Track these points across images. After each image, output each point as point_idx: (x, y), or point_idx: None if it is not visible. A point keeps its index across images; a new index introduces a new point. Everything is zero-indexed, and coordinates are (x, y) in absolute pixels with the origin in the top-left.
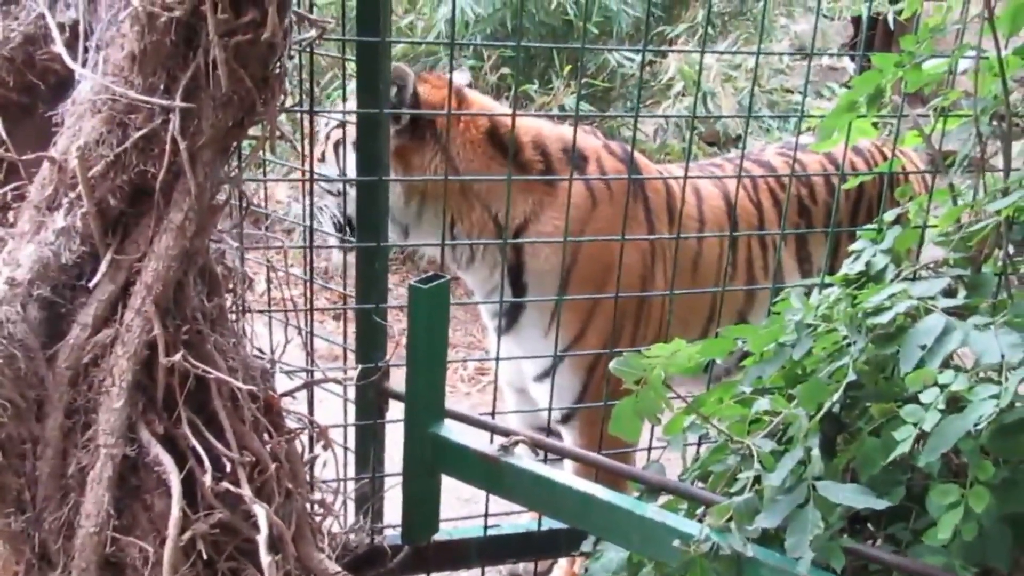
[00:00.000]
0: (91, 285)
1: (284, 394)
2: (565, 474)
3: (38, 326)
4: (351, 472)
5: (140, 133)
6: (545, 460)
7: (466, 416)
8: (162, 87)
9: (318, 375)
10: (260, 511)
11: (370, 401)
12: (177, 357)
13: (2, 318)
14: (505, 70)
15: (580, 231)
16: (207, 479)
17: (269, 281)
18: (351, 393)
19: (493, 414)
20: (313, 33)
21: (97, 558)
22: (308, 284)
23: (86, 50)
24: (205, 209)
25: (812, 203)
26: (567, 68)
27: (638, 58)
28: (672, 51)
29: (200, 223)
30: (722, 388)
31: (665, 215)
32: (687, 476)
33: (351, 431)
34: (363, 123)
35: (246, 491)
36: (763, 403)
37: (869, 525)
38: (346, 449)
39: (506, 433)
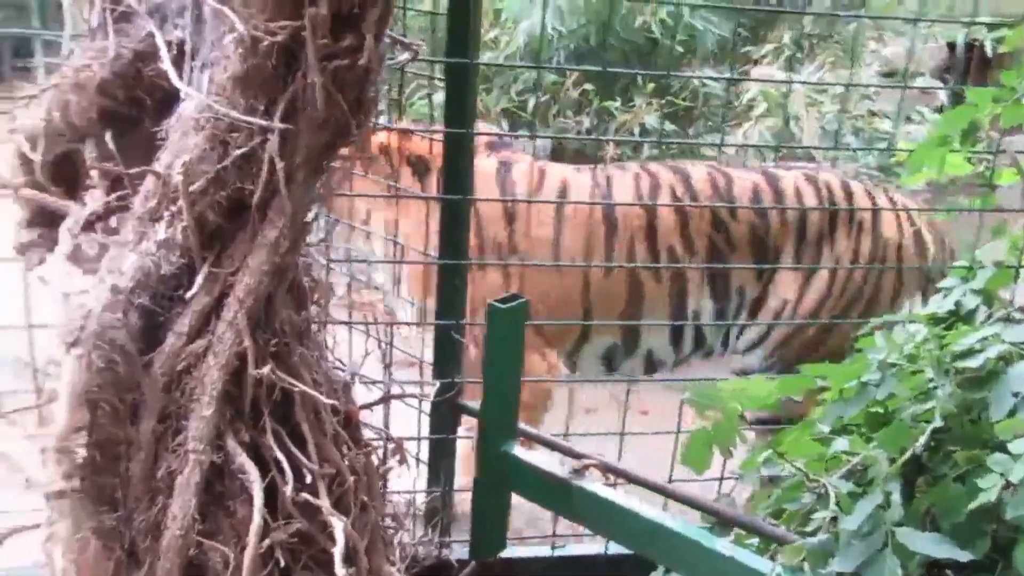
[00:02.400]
0: (188, 296)
1: (363, 407)
2: (635, 501)
3: (137, 333)
4: (421, 484)
5: (240, 152)
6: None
7: (539, 436)
8: (262, 108)
9: (396, 389)
10: (337, 524)
11: (444, 416)
12: (266, 370)
13: (105, 324)
14: (587, 86)
15: None
16: (288, 489)
17: (350, 293)
18: (425, 405)
19: (566, 435)
20: (406, 56)
21: (181, 560)
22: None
23: (191, 69)
24: (298, 226)
25: (731, 218)
26: (650, 86)
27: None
28: (758, 81)
29: (292, 240)
30: (801, 427)
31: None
32: (759, 511)
33: (423, 443)
34: (450, 142)
35: (325, 503)
36: (842, 443)
37: (949, 573)
38: (419, 461)
39: (577, 456)
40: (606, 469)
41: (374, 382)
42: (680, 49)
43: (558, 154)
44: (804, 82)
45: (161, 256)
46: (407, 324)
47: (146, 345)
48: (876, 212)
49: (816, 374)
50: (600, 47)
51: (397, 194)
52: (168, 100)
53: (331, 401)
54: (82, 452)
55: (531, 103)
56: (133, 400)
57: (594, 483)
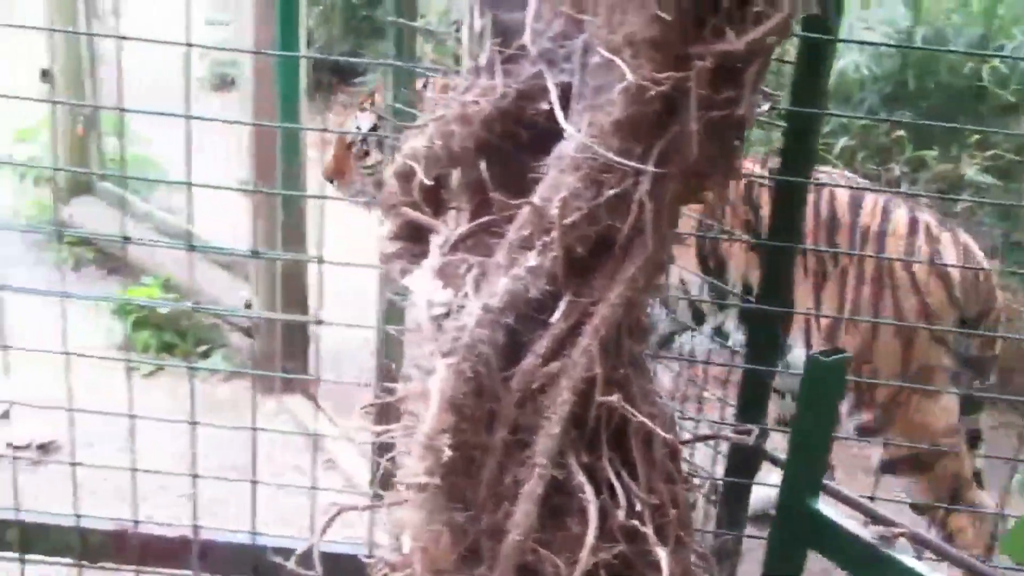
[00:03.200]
0: (551, 321)
1: (685, 442)
2: None
3: (501, 350)
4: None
5: (612, 192)
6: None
7: (846, 496)
8: (638, 152)
9: (706, 427)
10: (662, 553)
11: (745, 460)
12: (615, 398)
13: (476, 338)
14: (900, 132)
15: None
16: (621, 514)
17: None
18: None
19: (872, 497)
20: (766, 106)
21: (516, 563)
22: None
23: (574, 111)
24: (655, 265)
25: None
26: (973, 138)
27: None
28: None
29: (648, 278)
30: None
31: None
32: None
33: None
34: (783, 189)
35: (650, 531)
36: None
37: None
38: (712, 502)
39: (884, 521)
40: (919, 541)
41: (687, 418)
42: (1011, 99)
43: None
44: None
45: (529, 281)
46: (715, 365)
47: (506, 361)
48: None
49: None
50: (918, 93)
51: (730, 238)
52: (540, 137)
53: (666, 435)
54: (447, 452)
55: (837, 146)
56: (490, 410)
57: (904, 554)
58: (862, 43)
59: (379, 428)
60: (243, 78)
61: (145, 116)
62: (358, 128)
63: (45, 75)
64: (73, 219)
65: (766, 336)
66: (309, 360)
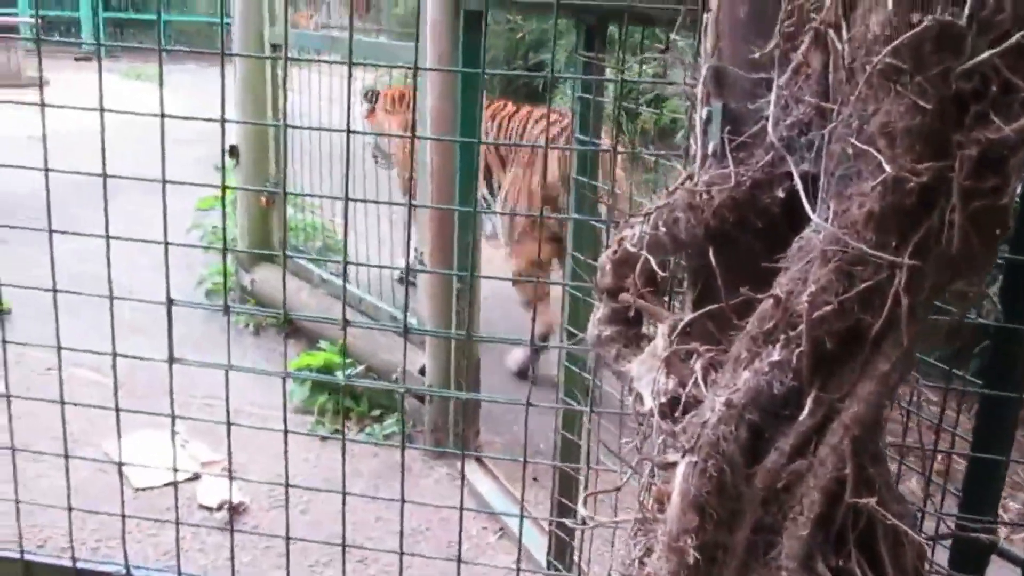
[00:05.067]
0: (800, 418)
1: (930, 539)
2: None
3: (744, 447)
4: None
5: (865, 285)
6: None
7: None
8: (892, 244)
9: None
10: None
11: (974, 558)
12: (872, 500)
13: (719, 435)
14: None
15: None
16: None
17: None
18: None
19: None
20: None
21: None
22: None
23: (819, 201)
24: (908, 361)
25: None
26: None
27: None
28: None
29: (902, 374)
30: None
31: None
32: None
33: None
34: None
35: None
36: None
37: None
38: None
39: None
40: None
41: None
42: None
43: None
44: None
45: (774, 376)
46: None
47: (749, 458)
48: None
49: None
50: None
51: None
52: (772, 226)
53: (918, 537)
54: (692, 554)
55: None
56: (732, 509)
57: None
58: None
59: (605, 519)
60: (423, 154)
61: (319, 185)
62: None
63: (232, 151)
64: (255, 285)
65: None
66: (481, 426)
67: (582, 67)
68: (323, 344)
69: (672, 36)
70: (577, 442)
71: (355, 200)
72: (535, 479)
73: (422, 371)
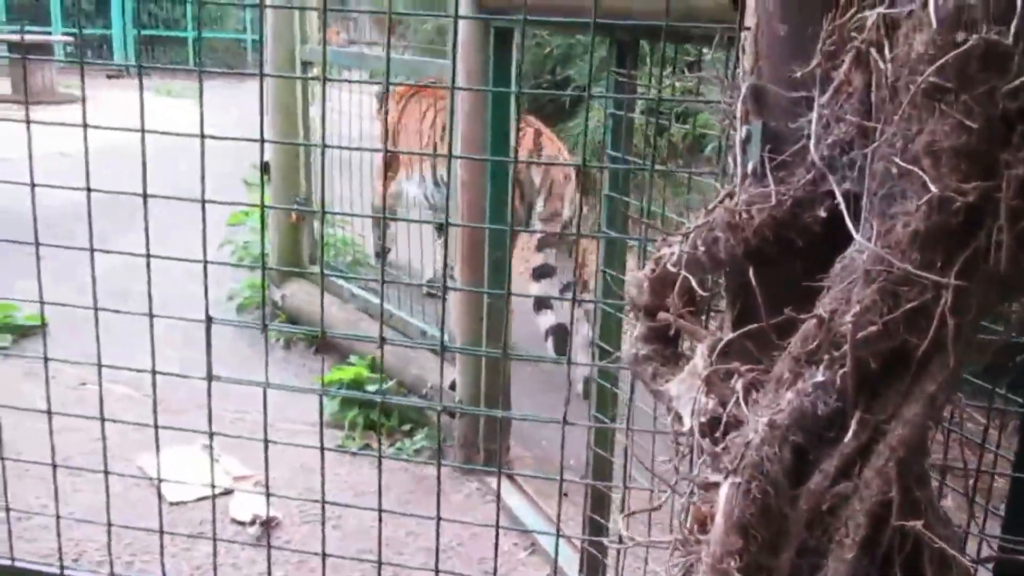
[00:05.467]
0: (845, 440)
1: (974, 561)
2: None
3: (788, 469)
4: None
5: (910, 305)
6: None
7: None
8: (938, 264)
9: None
10: None
11: None
12: (919, 524)
13: (763, 456)
14: None
15: None
16: None
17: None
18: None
19: None
20: None
21: None
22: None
23: (862, 221)
24: (956, 381)
25: None
26: None
27: None
28: None
29: (948, 395)
30: None
31: None
32: None
33: None
34: None
35: None
36: None
37: None
38: None
39: None
40: None
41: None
42: None
43: None
44: None
45: (818, 397)
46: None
47: (793, 481)
48: None
49: None
50: None
51: None
52: (812, 245)
53: (965, 562)
54: None
55: None
56: (776, 531)
57: None
58: None
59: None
60: (453, 176)
61: (347, 201)
62: None
63: (266, 168)
64: (285, 300)
65: None
66: (511, 440)
67: (614, 84)
68: (353, 359)
69: (704, 51)
70: (609, 459)
71: (394, 219)
72: (565, 494)
73: (452, 386)
